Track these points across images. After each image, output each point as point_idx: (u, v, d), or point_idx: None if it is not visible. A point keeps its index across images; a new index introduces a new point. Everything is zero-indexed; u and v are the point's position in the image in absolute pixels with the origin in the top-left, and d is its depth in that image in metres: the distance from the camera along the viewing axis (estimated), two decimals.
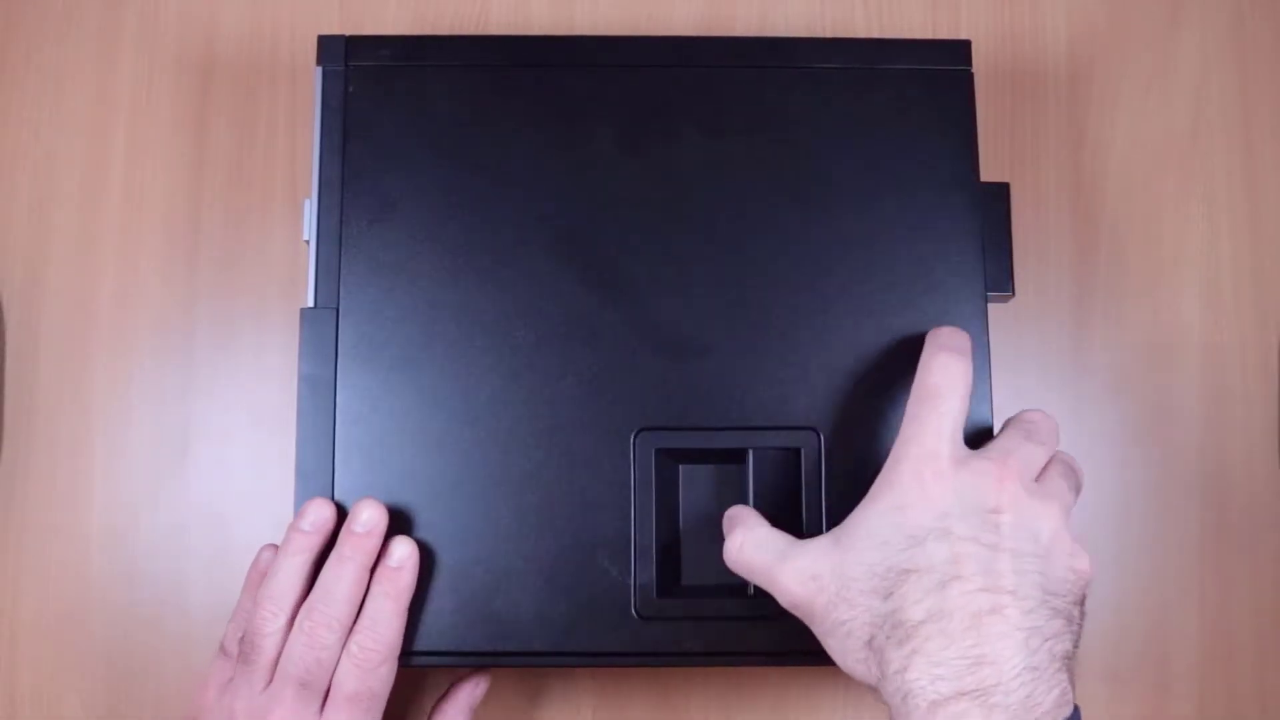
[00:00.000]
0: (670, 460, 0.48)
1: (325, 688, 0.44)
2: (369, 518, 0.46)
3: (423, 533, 0.47)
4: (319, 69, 0.52)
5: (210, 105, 0.61)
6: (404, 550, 0.45)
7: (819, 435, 0.47)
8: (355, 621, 0.45)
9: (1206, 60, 0.62)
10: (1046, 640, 0.38)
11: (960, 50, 0.52)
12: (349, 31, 0.54)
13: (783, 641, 0.43)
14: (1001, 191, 0.51)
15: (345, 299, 0.49)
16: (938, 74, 0.52)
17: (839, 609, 0.40)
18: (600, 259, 0.49)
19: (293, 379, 0.53)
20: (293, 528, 0.46)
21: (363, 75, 0.51)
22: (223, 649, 0.47)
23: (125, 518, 0.57)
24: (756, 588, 0.44)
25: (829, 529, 0.43)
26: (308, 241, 0.50)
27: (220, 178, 0.60)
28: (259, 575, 0.48)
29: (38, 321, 0.58)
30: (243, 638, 0.46)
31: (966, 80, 0.51)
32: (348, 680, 0.44)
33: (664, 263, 0.49)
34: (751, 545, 0.43)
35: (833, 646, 0.41)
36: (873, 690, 0.40)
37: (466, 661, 0.49)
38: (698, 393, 0.48)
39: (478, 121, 0.50)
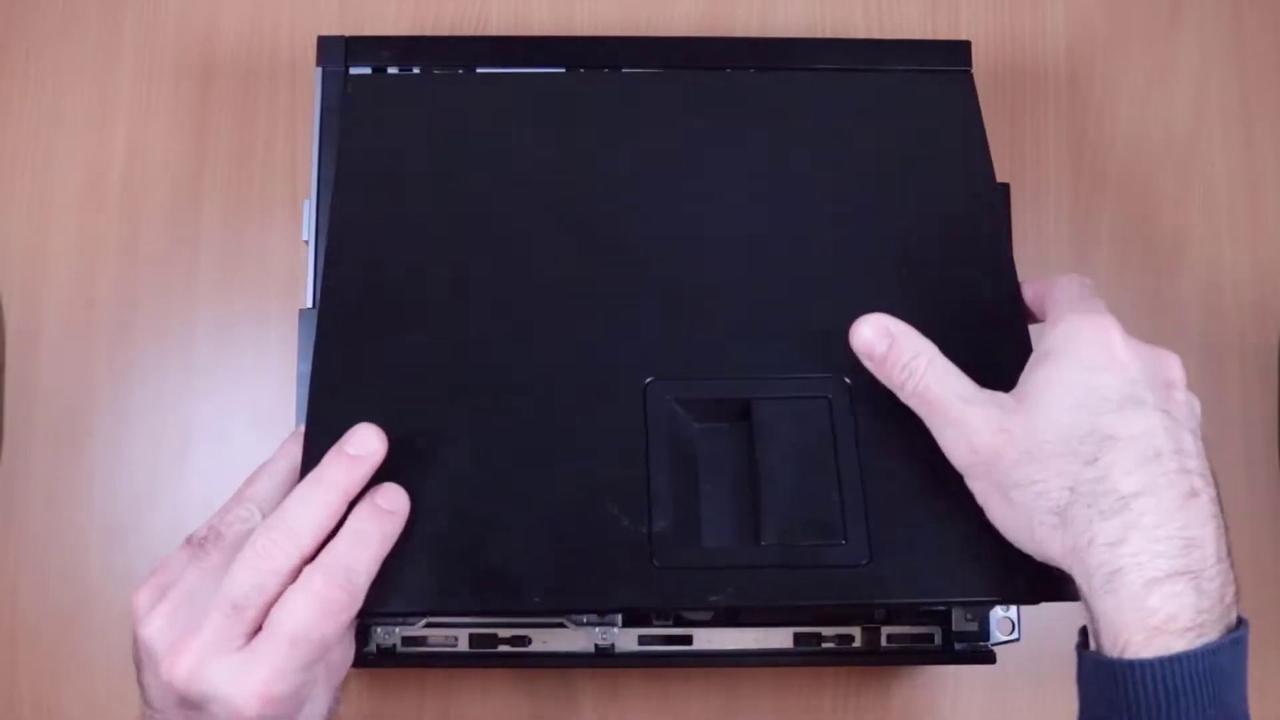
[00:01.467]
0: (687, 415, 0.44)
1: (259, 620, 0.37)
2: (367, 442, 0.39)
3: (414, 481, 0.41)
4: (319, 69, 0.52)
5: (210, 105, 0.61)
6: (401, 499, 0.39)
7: (847, 383, 0.43)
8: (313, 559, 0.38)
9: (1206, 60, 0.62)
10: (1225, 533, 0.36)
11: (960, 51, 0.52)
12: (349, 32, 0.54)
13: (818, 591, 0.40)
14: (1001, 191, 0.51)
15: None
16: (938, 74, 0.52)
17: (1028, 467, 0.37)
18: (608, 239, 0.47)
19: (293, 379, 0.53)
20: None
21: (362, 76, 0.51)
22: (187, 542, 0.41)
23: (125, 518, 0.57)
24: (778, 539, 0.40)
25: (864, 481, 0.41)
26: (307, 241, 0.50)
27: (220, 178, 0.60)
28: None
29: (38, 321, 0.58)
30: (208, 528, 0.40)
31: (967, 80, 0.51)
32: (296, 618, 0.36)
33: (668, 238, 0.47)
34: (937, 373, 0.39)
35: (1015, 499, 0.37)
36: (1036, 558, 0.38)
37: (456, 614, 0.47)
38: (712, 344, 0.45)
39: (477, 122, 0.50)
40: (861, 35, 0.62)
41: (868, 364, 0.41)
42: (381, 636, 0.50)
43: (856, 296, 0.44)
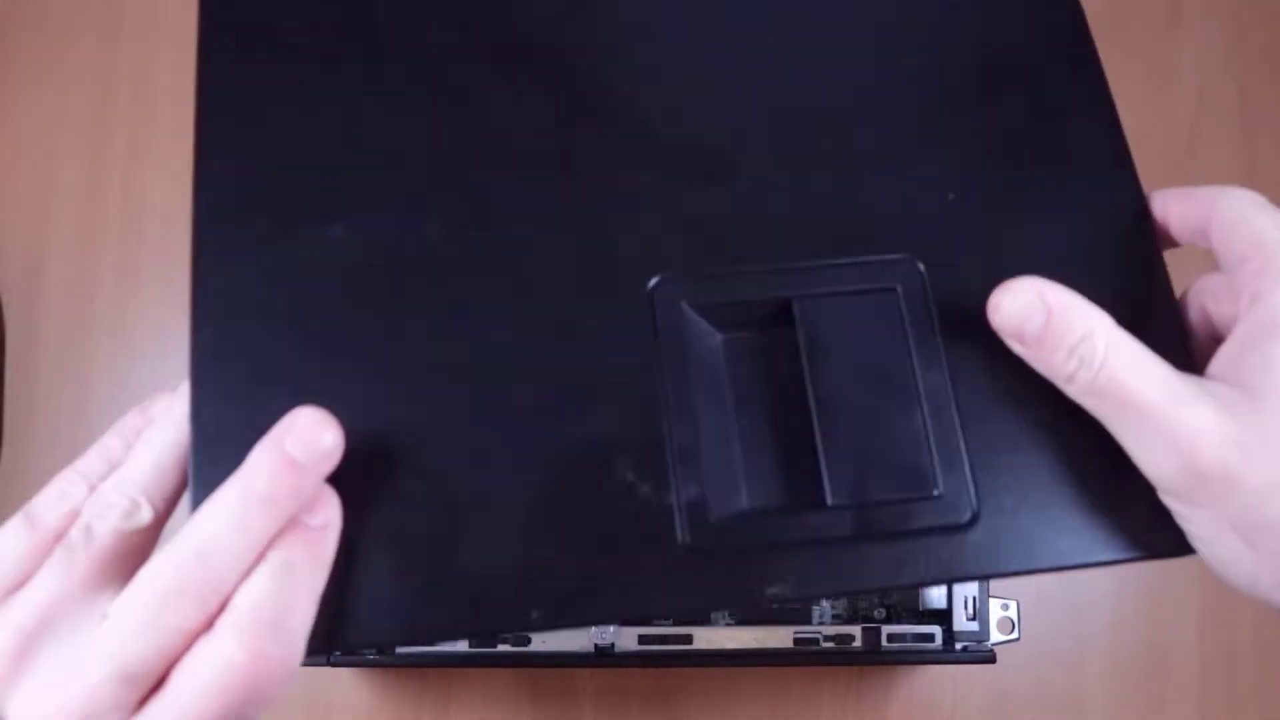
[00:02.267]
0: (708, 323, 0.33)
1: (157, 681, 0.26)
2: (317, 439, 0.27)
3: (351, 454, 0.28)
4: None
5: None
6: (333, 506, 0.27)
7: (918, 265, 0.32)
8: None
9: (1206, 60, 0.62)
10: None
11: None
12: None
13: (912, 569, 0.29)
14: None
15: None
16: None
17: None
18: (594, 98, 0.34)
19: None
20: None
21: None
22: (26, 520, 0.29)
23: None
24: (850, 497, 0.29)
25: (957, 397, 0.30)
26: None
27: None
28: (138, 425, 0.31)
29: (38, 321, 0.58)
30: (69, 517, 0.28)
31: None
32: (211, 702, 0.25)
33: (674, 96, 0.34)
34: (1123, 360, 0.27)
35: (1263, 545, 0.27)
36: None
37: (434, 641, 0.44)
38: (734, 226, 0.33)
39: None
40: None
41: (1015, 347, 0.29)
42: None
43: (925, 170, 0.34)
